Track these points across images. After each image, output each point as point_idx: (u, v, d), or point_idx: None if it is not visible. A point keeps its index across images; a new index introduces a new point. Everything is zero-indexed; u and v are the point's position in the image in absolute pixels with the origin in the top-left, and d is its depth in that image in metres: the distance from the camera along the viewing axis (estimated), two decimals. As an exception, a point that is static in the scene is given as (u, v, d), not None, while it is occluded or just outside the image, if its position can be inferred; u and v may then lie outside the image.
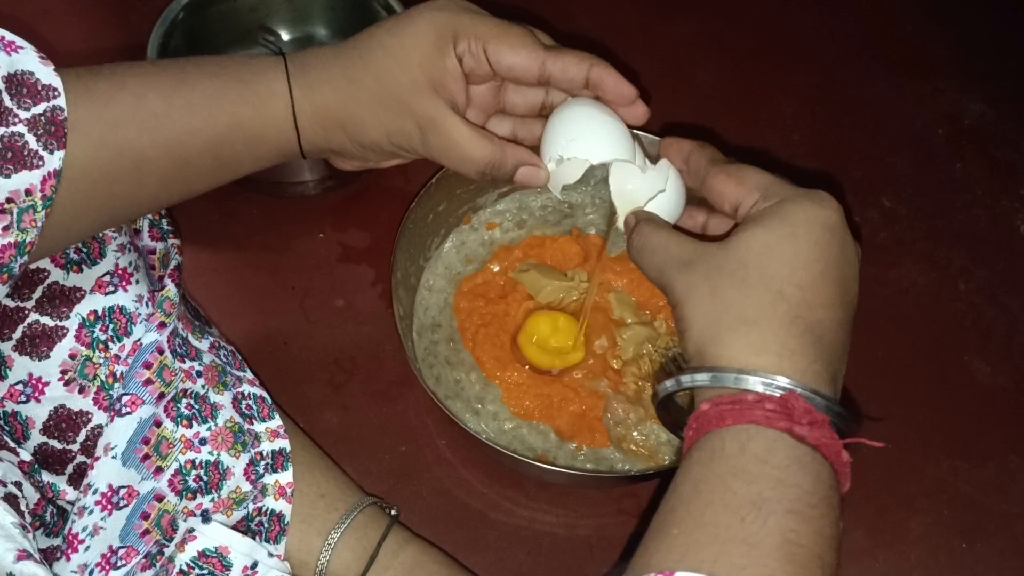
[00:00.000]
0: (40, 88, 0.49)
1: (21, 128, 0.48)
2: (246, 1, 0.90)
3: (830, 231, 0.47)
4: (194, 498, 0.61)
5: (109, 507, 0.58)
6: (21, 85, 0.48)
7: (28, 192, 0.48)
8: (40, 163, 0.48)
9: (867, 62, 1.00)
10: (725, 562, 0.39)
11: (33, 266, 0.57)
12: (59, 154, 0.49)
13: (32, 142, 0.48)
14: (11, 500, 0.52)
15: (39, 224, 0.49)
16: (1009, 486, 0.76)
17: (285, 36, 0.93)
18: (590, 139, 0.56)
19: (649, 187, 0.55)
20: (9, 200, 0.48)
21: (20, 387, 0.58)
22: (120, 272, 0.61)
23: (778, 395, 0.43)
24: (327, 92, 0.56)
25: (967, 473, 0.76)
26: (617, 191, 0.56)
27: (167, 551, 0.59)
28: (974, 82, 0.98)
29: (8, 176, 0.48)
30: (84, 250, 0.60)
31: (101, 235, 0.61)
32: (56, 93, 0.49)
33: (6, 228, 0.49)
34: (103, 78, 0.52)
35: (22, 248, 0.49)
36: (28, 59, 0.49)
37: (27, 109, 0.48)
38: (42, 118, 0.49)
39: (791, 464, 0.42)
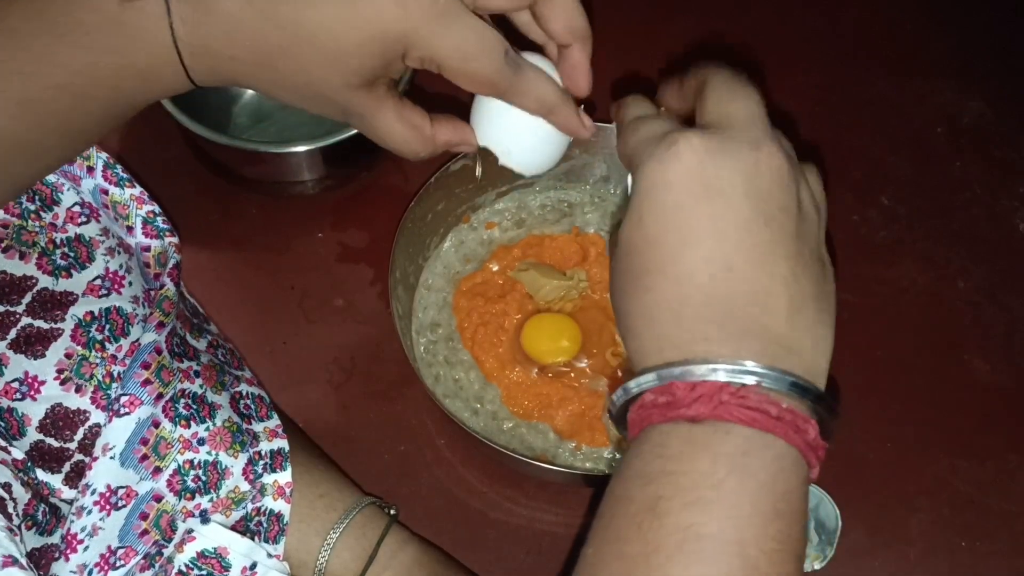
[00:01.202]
0: None
1: None
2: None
3: (773, 181, 0.40)
4: (193, 498, 0.61)
5: (108, 507, 0.58)
6: None
7: None
8: None
9: (866, 62, 1.00)
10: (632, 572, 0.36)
11: (19, 273, 0.57)
12: None
13: None
14: None
15: None
16: (1009, 485, 0.76)
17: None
18: (512, 125, 0.53)
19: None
20: None
21: (16, 385, 0.58)
22: (111, 276, 0.61)
23: (661, 385, 0.38)
24: (234, 44, 0.45)
25: (966, 472, 0.76)
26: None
27: (166, 552, 0.59)
28: (973, 81, 0.98)
29: None
30: (71, 255, 0.59)
31: (88, 239, 0.61)
32: None
33: None
34: None
35: None
36: None
37: None
38: None
39: (683, 450, 0.37)
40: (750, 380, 0.37)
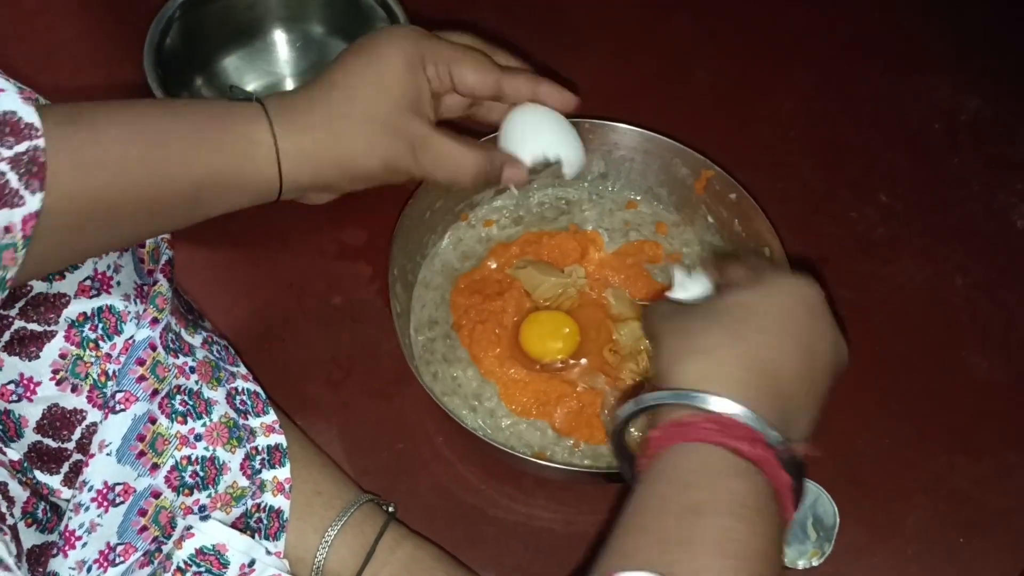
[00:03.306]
0: (23, 127, 0.49)
1: (3, 167, 0.47)
2: (242, 0, 0.90)
3: (804, 303, 0.52)
4: (191, 494, 0.61)
5: (105, 504, 0.58)
6: (3, 124, 0.48)
7: (8, 230, 0.48)
8: (21, 202, 0.48)
9: (863, 59, 1.00)
10: (664, 559, 0.42)
11: None
12: (39, 195, 0.49)
13: (13, 181, 0.48)
14: None
15: (19, 262, 0.49)
16: (1006, 481, 0.76)
17: (280, 35, 0.93)
18: (551, 138, 0.65)
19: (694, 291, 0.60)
20: None
21: (11, 387, 0.58)
22: (99, 276, 0.61)
23: (718, 414, 0.46)
24: (318, 135, 0.58)
25: (964, 468, 0.76)
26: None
27: (165, 548, 0.59)
28: (970, 77, 0.98)
29: None
30: None
31: None
32: (37, 132, 0.49)
33: None
34: (83, 123, 0.52)
35: (2, 284, 0.49)
36: (10, 99, 0.49)
37: (9, 148, 0.48)
38: (24, 157, 0.48)
39: (725, 471, 0.45)
40: (777, 444, 0.47)
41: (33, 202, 0.49)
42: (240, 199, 0.59)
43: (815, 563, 0.69)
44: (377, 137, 0.59)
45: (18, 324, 0.58)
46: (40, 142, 0.49)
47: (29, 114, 0.49)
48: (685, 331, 0.51)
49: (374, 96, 0.59)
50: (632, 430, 0.58)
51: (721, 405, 0.47)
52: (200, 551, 0.59)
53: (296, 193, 0.60)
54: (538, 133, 0.64)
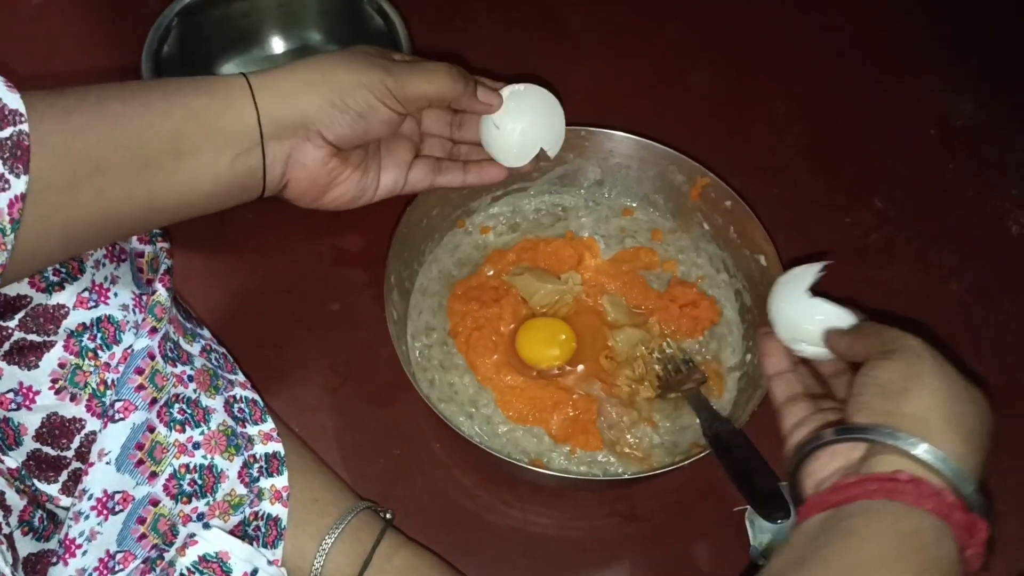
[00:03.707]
0: (7, 113, 0.49)
1: None
2: (239, 7, 0.90)
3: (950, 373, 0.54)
4: (189, 502, 0.62)
5: (105, 512, 0.58)
6: None
7: None
8: (6, 186, 0.49)
9: (859, 64, 1.00)
10: None
11: (13, 293, 0.58)
12: (24, 178, 0.49)
13: None
14: None
15: (9, 247, 0.50)
16: (999, 485, 0.76)
17: (278, 42, 0.94)
18: (530, 116, 0.68)
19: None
20: None
21: (10, 395, 0.58)
22: (96, 288, 0.61)
23: (924, 475, 0.49)
24: (292, 70, 0.60)
25: (959, 473, 0.76)
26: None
27: (167, 556, 0.59)
28: (965, 82, 0.98)
29: None
30: (63, 270, 0.60)
31: None
32: (22, 118, 0.50)
33: None
34: (67, 94, 0.53)
35: None
36: None
37: None
38: (8, 142, 0.49)
39: (916, 531, 0.47)
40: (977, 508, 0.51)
41: (19, 185, 0.49)
42: (222, 142, 0.58)
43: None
44: (353, 59, 0.61)
45: (17, 335, 0.58)
46: (24, 127, 0.49)
47: (14, 100, 0.50)
48: (905, 393, 0.52)
49: (346, 48, 0.63)
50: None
51: (938, 461, 0.49)
52: (203, 558, 0.59)
53: (280, 129, 0.59)
54: (519, 111, 0.67)
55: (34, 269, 0.57)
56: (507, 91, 0.68)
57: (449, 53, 0.89)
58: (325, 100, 0.59)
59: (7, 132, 0.49)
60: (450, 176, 0.70)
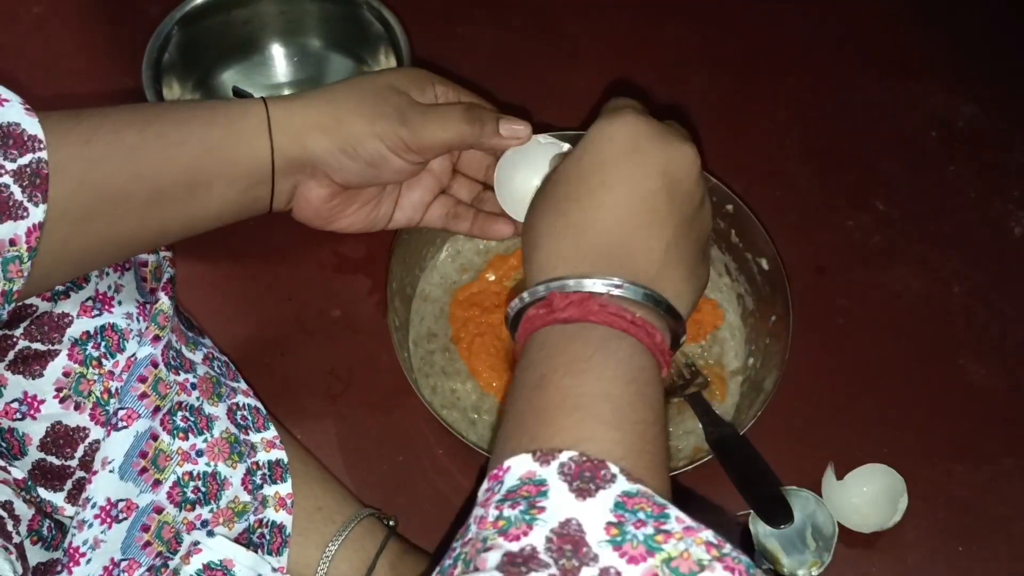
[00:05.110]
0: (26, 139, 0.49)
1: (7, 179, 0.48)
2: (240, 14, 0.90)
3: (613, 142, 0.52)
4: (193, 509, 0.62)
5: (108, 520, 0.58)
6: (7, 137, 0.49)
7: (13, 242, 0.49)
8: (25, 214, 0.49)
9: (859, 66, 1.00)
10: (526, 436, 0.44)
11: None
12: (43, 207, 0.49)
13: (17, 193, 0.48)
14: None
15: (25, 274, 0.50)
16: (1004, 488, 0.76)
17: (278, 49, 0.94)
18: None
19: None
20: None
21: (15, 405, 0.58)
22: (100, 296, 0.62)
23: (544, 295, 0.49)
24: (308, 104, 0.58)
25: (962, 476, 0.77)
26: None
27: (172, 564, 0.59)
28: (966, 84, 0.98)
29: None
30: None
31: None
32: (41, 145, 0.49)
33: None
34: (83, 119, 0.53)
35: (9, 296, 0.50)
36: (14, 111, 0.49)
37: (13, 160, 0.49)
38: (27, 169, 0.49)
39: (559, 341, 0.47)
40: (615, 291, 0.48)
41: (37, 214, 0.49)
42: (235, 175, 0.57)
43: (814, 573, 0.70)
44: (368, 103, 0.59)
45: (22, 344, 0.58)
46: (43, 154, 0.49)
47: (33, 126, 0.49)
48: (529, 226, 0.53)
49: (368, 78, 0.61)
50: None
51: (563, 284, 0.48)
52: (208, 566, 0.59)
53: (290, 166, 0.58)
54: (529, 169, 0.62)
55: (42, 290, 0.57)
56: (531, 141, 0.63)
57: (449, 59, 0.89)
58: (335, 146, 0.58)
59: (27, 159, 0.49)
60: (461, 225, 0.67)
